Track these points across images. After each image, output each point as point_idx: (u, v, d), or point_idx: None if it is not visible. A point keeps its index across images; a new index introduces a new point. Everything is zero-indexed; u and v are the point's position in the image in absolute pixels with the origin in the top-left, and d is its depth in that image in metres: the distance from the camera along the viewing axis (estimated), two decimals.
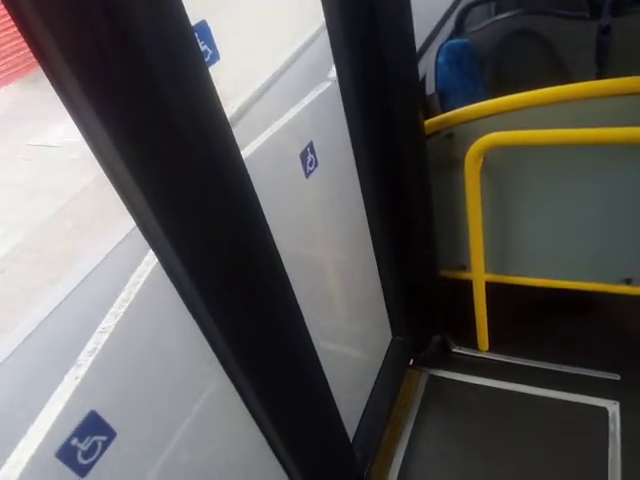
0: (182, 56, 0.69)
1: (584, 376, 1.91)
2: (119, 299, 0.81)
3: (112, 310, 0.79)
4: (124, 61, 0.63)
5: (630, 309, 2.01)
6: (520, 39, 2.21)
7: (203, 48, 0.77)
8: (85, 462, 0.71)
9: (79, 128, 0.68)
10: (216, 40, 0.81)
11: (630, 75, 1.35)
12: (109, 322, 0.77)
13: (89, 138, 0.69)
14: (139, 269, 0.85)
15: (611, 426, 1.74)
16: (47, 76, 0.63)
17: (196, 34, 0.71)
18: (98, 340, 0.75)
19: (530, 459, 1.72)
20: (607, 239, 1.65)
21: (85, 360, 0.73)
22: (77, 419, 0.70)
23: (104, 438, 0.74)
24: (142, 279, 0.84)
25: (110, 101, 0.64)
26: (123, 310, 0.79)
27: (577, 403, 1.83)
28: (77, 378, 0.71)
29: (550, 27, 2.16)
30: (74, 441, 0.70)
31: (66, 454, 0.69)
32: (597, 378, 1.89)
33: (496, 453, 1.77)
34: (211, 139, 0.77)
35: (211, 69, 0.75)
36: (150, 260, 0.85)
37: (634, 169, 1.47)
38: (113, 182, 0.73)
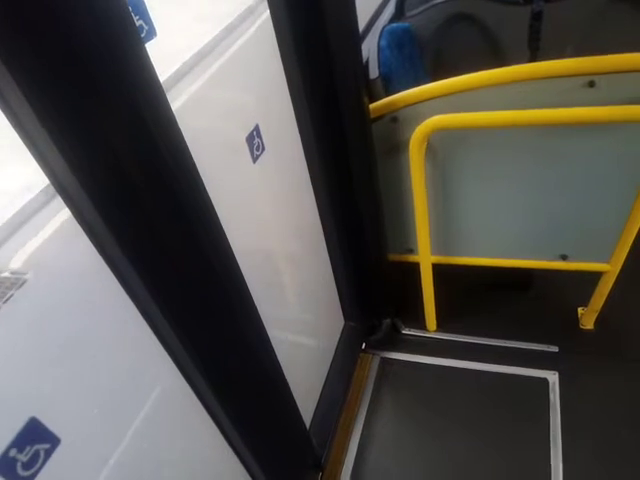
0: (116, 32, 0.63)
1: (525, 350, 2.01)
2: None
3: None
4: (54, 37, 0.57)
5: (565, 285, 2.14)
6: (457, 23, 2.25)
7: (138, 23, 0.71)
8: (26, 474, 0.66)
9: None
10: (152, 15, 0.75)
11: (561, 58, 1.40)
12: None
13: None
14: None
15: (551, 395, 1.84)
16: None
17: (130, 8, 0.66)
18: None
19: (478, 431, 1.80)
20: (544, 218, 1.73)
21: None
22: (15, 428, 0.65)
23: (47, 446, 0.69)
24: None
25: (39, 83, 0.58)
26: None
27: (520, 375, 1.93)
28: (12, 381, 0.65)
29: (486, 12, 2.22)
30: (12, 452, 0.64)
31: (4, 467, 0.63)
32: (537, 351, 2.00)
33: (446, 427, 1.84)
34: (153, 127, 0.72)
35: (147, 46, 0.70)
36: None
37: (568, 150, 1.54)
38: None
